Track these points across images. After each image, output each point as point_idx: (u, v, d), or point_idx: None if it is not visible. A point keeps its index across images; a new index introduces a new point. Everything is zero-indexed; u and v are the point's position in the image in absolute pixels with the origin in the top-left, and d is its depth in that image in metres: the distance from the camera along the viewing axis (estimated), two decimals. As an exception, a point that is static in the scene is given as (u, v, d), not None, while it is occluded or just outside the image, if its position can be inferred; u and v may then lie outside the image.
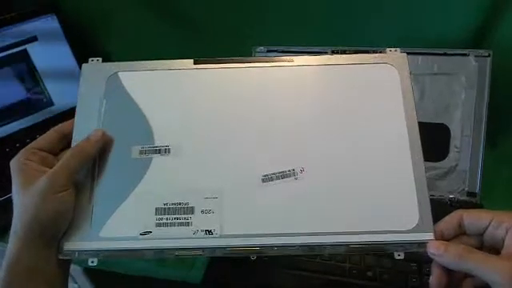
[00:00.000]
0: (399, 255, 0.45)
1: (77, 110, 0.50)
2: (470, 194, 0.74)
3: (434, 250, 0.43)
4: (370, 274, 0.64)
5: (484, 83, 0.72)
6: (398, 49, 0.53)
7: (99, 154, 0.48)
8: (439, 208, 0.70)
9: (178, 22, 0.87)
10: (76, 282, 0.83)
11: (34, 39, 0.86)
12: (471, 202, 0.73)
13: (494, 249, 0.42)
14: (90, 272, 0.80)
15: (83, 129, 0.49)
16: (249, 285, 0.65)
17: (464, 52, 0.73)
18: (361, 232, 0.45)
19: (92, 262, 0.45)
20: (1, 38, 0.83)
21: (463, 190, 0.74)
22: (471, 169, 0.73)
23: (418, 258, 0.63)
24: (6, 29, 0.83)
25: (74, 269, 0.79)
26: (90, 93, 0.51)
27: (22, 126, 0.87)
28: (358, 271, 0.64)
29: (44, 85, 0.88)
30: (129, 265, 0.71)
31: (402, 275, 0.63)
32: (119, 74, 0.52)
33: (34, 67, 0.87)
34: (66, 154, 0.45)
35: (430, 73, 0.74)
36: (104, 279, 0.80)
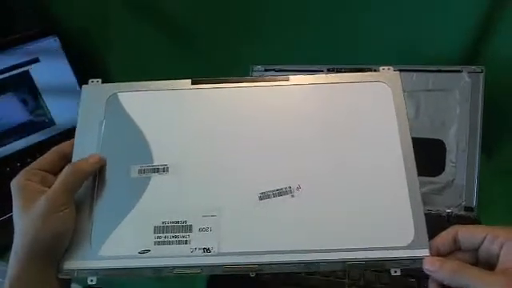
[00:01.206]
0: (395, 271, 0.45)
1: (77, 130, 0.51)
2: (467, 208, 0.74)
3: (430, 266, 0.43)
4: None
5: (477, 98, 0.73)
6: (391, 67, 0.54)
7: (98, 174, 0.49)
8: (437, 223, 0.71)
9: (177, 41, 0.88)
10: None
11: (36, 60, 0.87)
12: (468, 217, 0.73)
13: (489, 264, 0.42)
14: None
15: (83, 149, 0.50)
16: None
17: (457, 68, 0.74)
18: (357, 249, 0.46)
19: (91, 280, 0.45)
20: (3, 60, 0.84)
21: (460, 204, 0.74)
22: (468, 183, 0.74)
23: (416, 274, 0.62)
24: (9, 50, 0.84)
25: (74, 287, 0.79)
26: (90, 113, 0.52)
27: (23, 146, 0.88)
28: (358, 287, 0.64)
29: (46, 105, 0.89)
30: (130, 284, 0.71)
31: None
32: (118, 94, 0.53)
33: (36, 88, 0.88)
34: (63, 173, 0.45)
35: (425, 89, 0.75)
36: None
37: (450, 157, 0.75)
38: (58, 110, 0.90)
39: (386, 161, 0.49)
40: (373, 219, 0.47)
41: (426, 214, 0.70)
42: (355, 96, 0.52)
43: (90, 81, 0.54)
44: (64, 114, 0.90)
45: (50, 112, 0.90)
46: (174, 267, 0.45)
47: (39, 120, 0.90)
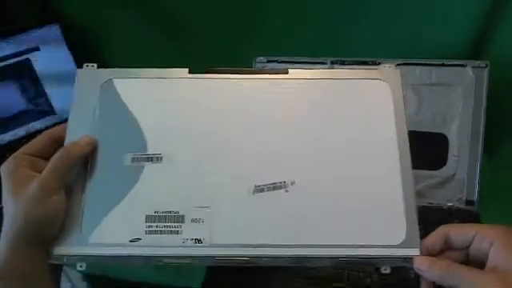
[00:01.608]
0: (385, 269, 0.45)
1: (70, 115, 0.51)
2: (468, 202, 0.74)
3: (420, 265, 0.43)
4: (368, 280, 0.64)
5: (481, 93, 0.73)
6: (391, 65, 0.53)
7: (91, 160, 0.48)
8: (437, 216, 0.71)
9: (177, 31, 0.88)
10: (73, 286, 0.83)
11: (36, 49, 0.86)
12: (469, 211, 0.73)
13: (480, 262, 0.42)
14: (89, 277, 0.80)
15: (76, 134, 0.49)
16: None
17: (461, 63, 0.74)
18: (348, 246, 0.45)
19: (81, 266, 0.45)
20: (3, 48, 0.84)
21: (461, 198, 0.74)
22: (469, 177, 0.74)
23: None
24: (9, 38, 0.84)
25: (73, 274, 0.79)
26: (84, 98, 0.51)
27: (23, 134, 0.89)
28: (357, 277, 0.65)
29: (46, 93, 0.89)
30: (127, 270, 0.71)
31: (400, 282, 0.63)
32: (114, 80, 0.52)
33: (37, 76, 0.88)
34: (54, 157, 0.45)
35: (428, 83, 0.75)
36: (103, 285, 0.80)
37: (453, 151, 0.75)
38: (58, 98, 0.90)
39: (382, 159, 0.49)
40: (365, 217, 0.47)
41: (426, 208, 0.72)
42: (354, 93, 0.52)
43: (85, 65, 0.53)
44: (64, 103, 0.90)
45: (50, 100, 0.90)
46: (165, 257, 0.45)
47: (39, 108, 0.90)
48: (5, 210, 0.44)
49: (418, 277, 0.45)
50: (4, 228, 0.43)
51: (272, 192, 0.47)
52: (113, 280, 0.72)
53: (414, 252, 0.45)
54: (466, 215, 0.73)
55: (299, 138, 0.50)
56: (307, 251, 0.45)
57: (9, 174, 0.44)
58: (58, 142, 0.48)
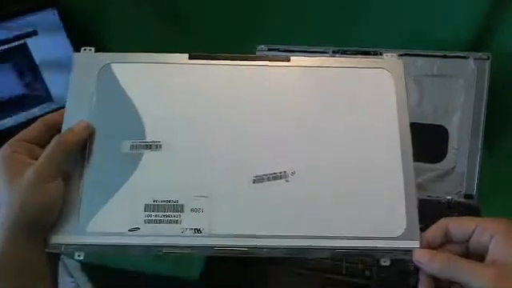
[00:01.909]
0: (385, 261, 0.45)
1: (67, 100, 0.50)
2: (468, 196, 0.74)
3: (419, 258, 0.43)
4: (367, 272, 0.64)
5: (483, 86, 0.73)
6: (394, 54, 0.52)
7: (89, 147, 0.47)
8: (437, 209, 0.71)
9: (178, 18, 0.87)
10: (73, 277, 0.83)
11: (34, 33, 0.85)
12: (468, 204, 0.73)
13: (480, 255, 0.42)
14: (86, 267, 0.80)
15: (73, 120, 0.48)
16: (246, 282, 0.65)
17: (463, 55, 0.73)
18: (347, 237, 0.45)
19: (78, 255, 0.44)
20: (0, 32, 0.82)
21: (460, 192, 0.74)
22: (469, 171, 0.74)
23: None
24: (6, 22, 0.83)
25: (71, 264, 0.79)
26: (82, 83, 0.50)
27: (20, 121, 0.88)
28: (356, 270, 0.65)
29: (43, 79, 0.88)
30: (126, 260, 0.71)
31: (400, 274, 0.63)
32: (112, 65, 0.51)
33: (34, 61, 0.87)
34: (50, 144, 0.44)
35: (430, 75, 0.75)
36: (101, 274, 0.80)
37: (452, 143, 0.75)
38: (55, 84, 0.89)
39: (383, 150, 0.48)
40: (365, 208, 0.46)
41: (425, 201, 0.71)
42: (356, 81, 0.51)
43: (83, 49, 0.52)
44: (62, 89, 0.88)
45: (47, 86, 0.89)
46: (164, 246, 0.45)
47: (36, 94, 0.89)
48: (0, 198, 0.43)
49: (417, 270, 0.44)
50: (0, 216, 0.42)
51: (272, 182, 0.47)
52: (111, 270, 0.71)
53: (414, 244, 0.44)
54: (465, 209, 0.72)
55: (300, 126, 0.49)
56: (307, 242, 0.45)
57: (4, 161, 0.44)
58: (55, 129, 0.48)
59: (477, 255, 0.42)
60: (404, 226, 0.45)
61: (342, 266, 0.65)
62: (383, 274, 0.63)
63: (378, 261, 0.45)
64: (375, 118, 0.50)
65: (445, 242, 0.44)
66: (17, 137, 0.46)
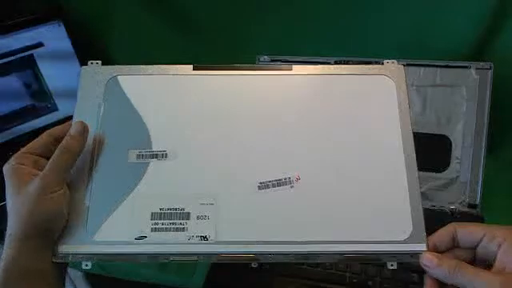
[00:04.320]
0: (392, 265, 0.45)
1: (75, 112, 0.51)
2: (471, 205, 0.73)
3: (427, 261, 0.43)
4: (370, 283, 0.64)
5: (485, 95, 0.73)
6: (395, 61, 0.53)
7: (96, 157, 0.48)
8: (440, 219, 0.71)
9: (182, 29, 0.88)
10: (75, 287, 0.83)
11: (40, 45, 0.86)
12: (472, 214, 0.73)
13: (487, 262, 0.42)
14: (90, 277, 0.80)
15: None
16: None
17: (466, 64, 0.73)
18: (354, 241, 0.45)
19: (86, 265, 0.45)
20: (7, 44, 0.83)
21: (464, 201, 0.74)
22: (472, 180, 0.74)
23: (418, 269, 0.62)
24: (13, 34, 0.83)
25: (74, 274, 0.79)
26: (89, 96, 0.51)
27: (25, 130, 0.88)
28: (359, 280, 0.65)
29: (49, 90, 0.89)
30: (130, 270, 0.71)
31: (403, 285, 0.63)
32: (118, 77, 0.52)
33: (40, 73, 0.87)
34: (55, 154, 0.45)
35: (432, 84, 0.75)
36: (104, 284, 0.80)
37: (456, 153, 0.74)
38: (61, 95, 0.90)
39: (387, 155, 0.49)
40: (371, 212, 0.47)
41: (429, 210, 0.71)
42: (358, 88, 0.52)
43: (90, 62, 0.53)
44: (67, 100, 0.90)
45: (53, 97, 0.90)
46: (171, 254, 0.45)
47: (42, 105, 0.89)
48: (8, 209, 0.43)
49: (422, 273, 0.44)
50: (8, 224, 0.43)
51: (277, 188, 0.47)
52: (114, 280, 0.71)
53: (421, 247, 0.45)
54: (469, 218, 0.72)
55: (303, 133, 0.50)
56: (313, 248, 0.45)
57: (10, 172, 0.44)
58: (59, 141, 0.48)
59: (483, 262, 0.42)
60: (410, 229, 0.46)
61: (345, 276, 0.65)
62: (386, 286, 0.63)
63: (385, 265, 0.45)
64: (378, 124, 0.50)
65: (451, 247, 0.44)
66: (23, 149, 0.47)
